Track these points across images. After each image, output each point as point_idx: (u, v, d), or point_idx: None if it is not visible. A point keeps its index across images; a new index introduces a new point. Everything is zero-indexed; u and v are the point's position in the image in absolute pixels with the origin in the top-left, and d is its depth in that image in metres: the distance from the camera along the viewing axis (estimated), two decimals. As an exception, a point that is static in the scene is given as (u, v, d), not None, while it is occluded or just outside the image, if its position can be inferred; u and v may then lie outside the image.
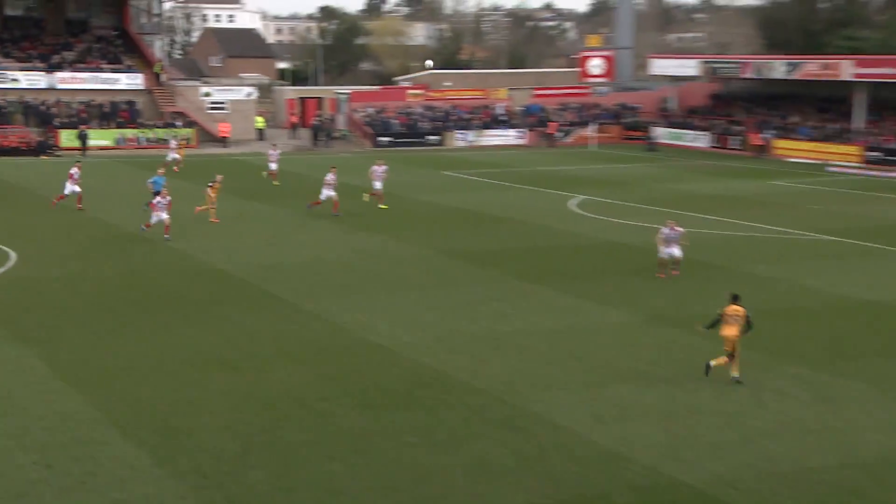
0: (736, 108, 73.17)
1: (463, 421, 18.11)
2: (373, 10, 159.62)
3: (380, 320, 24.66)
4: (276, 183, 48.39)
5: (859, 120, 63.47)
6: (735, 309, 20.10)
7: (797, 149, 63.50)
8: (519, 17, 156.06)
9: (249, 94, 75.16)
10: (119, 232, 36.31)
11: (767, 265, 31.44)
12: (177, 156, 53.57)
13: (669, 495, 15.22)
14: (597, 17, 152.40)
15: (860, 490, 15.40)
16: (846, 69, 62.28)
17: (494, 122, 74.49)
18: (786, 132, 66.21)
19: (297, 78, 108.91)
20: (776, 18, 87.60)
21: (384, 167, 42.56)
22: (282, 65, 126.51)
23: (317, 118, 74.08)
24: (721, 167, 59.28)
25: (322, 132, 71.03)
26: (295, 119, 77.09)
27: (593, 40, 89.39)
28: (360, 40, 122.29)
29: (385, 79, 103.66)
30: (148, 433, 17.37)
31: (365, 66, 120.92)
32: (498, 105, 76.38)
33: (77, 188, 39.74)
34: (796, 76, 65.96)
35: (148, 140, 66.77)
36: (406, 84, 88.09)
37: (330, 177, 39.85)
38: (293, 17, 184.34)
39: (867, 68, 61.64)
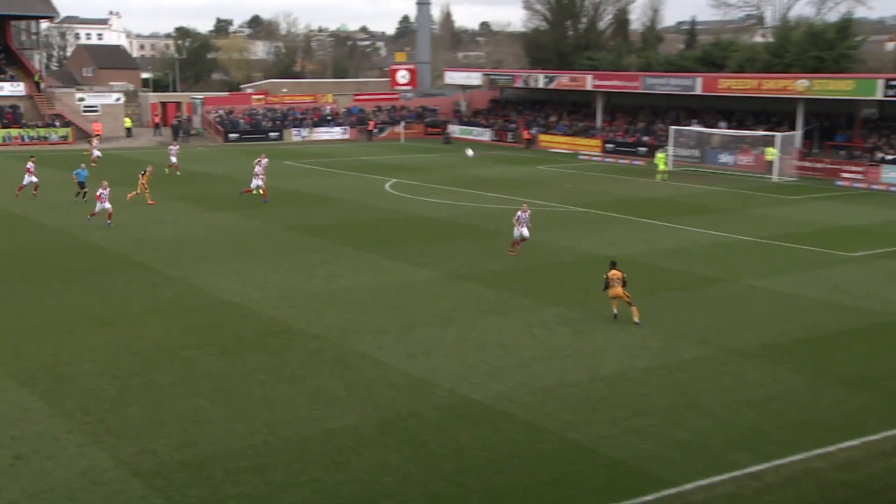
0: (510, 110, 74.66)
1: (303, 361, 17.96)
2: (220, 30, 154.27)
3: (233, 282, 24.07)
4: (178, 174, 46.21)
5: (599, 120, 65.83)
6: (615, 273, 20.35)
7: (556, 141, 65.35)
8: (340, 38, 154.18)
9: (118, 99, 71.72)
10: (6, 214, 34.01)
11: (535, 231, 32.29)
12: (98, 153, 50.29)
13: (464, 410, 15.56)
14: (403, 38, 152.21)
15: (604, 397, 16.16)
16: (589, 81, 64.37)
17: (323, 121, 73.50)
18: (547, 129, 67.93)
19: (158, 86, 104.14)
20: (537, 42, 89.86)
21: (265, 160, 40.19)
22: (145, 75, 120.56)
23: (176, 119, 71.17)
24: (500, 156, 60.42)
25: (181, 130, 68.28)
26: (157, 119, 73.81)
27: (400, 56, 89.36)
28: (211, 55, 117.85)
29: (233, 86, 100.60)
30: (39, 381, 16.47)
31: (215, 75, 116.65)
32: (326, 107, 75.41)
33: None
34: (553, 86, 67.75)
35: (30, 138, 62.85)
36: (250, 91, 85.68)
37: (258, 169, 38.55)
38: (154, 36, 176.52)
39: (603, 81, 63.90)
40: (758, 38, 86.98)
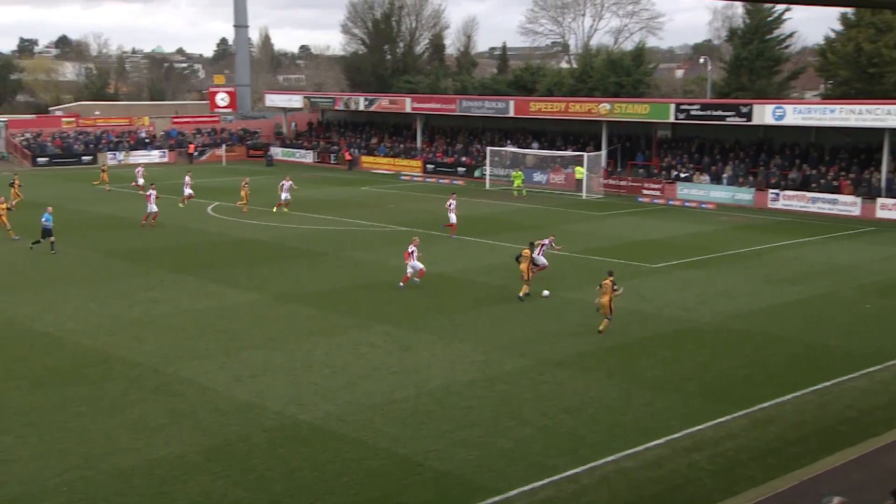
0: (332, 132, 74.47)
1: (124, 390, 17.09)
2: (24, 50, 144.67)
3: (46, 312, 22.60)
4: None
5: (419, 141, 66.78)
6: (607, 283, 21.26)
7: (378, 163, 65.69)
8: (156, 59, 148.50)
9: None
10: None
11: (360, 251, 32.39)
12: None
13: (293, 431, 15.31)
14: (221, 61, 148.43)
15: (430, 411, 16.34)
16: (408, 104, 65.23)
17: (140, 144, 70.44)
18: (369, 150, 68.18)
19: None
20: (356, 65, 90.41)
21: (290, 182, 42.36)
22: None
23: (-22, 142, 66.08)
24: (324, 177, 60.06)
25: (-19, 154, 63.46)
26: (-44, 143, 68.21)
27: (219, 79, 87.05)
28: (15, 76, 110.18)
29: (41, 108, 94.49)
30: None
31: (21, 97, 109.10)
32: (142, 130, 72.34)
33: None
34: (374, 109, 68.17)
35: None
36: (60, 113, 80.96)
37: (187, 178, 42.90)
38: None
39: (422, 103, 64.92)
40: (563, 65, 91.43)
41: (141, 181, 47.28)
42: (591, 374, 18.55)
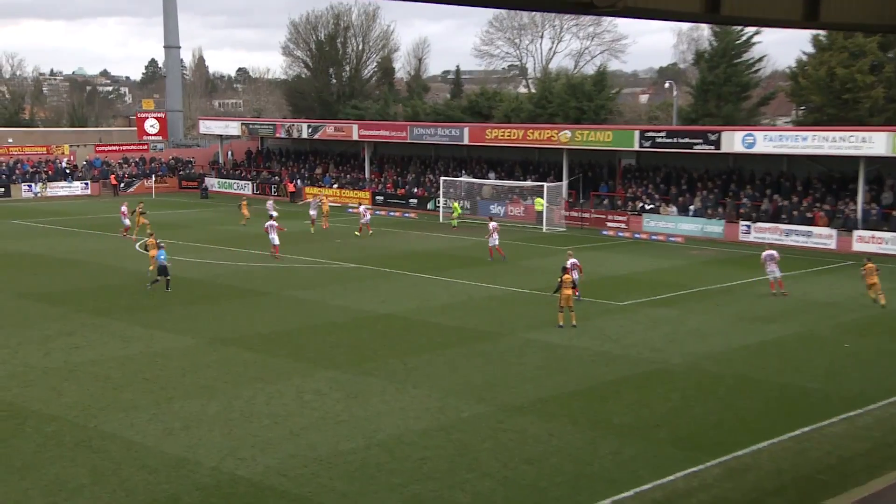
0: (274, 161, 74.31)
1: (39, 447, 16.67)
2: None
3: (-48, 361, 22.01)
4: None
5: (368, 171, 66.91)
6: (567, 277, 26.38)
7: (323, 194, 65.53)
8: (78, 82, 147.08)
9: None
10: None
11: (304, 289, 32.20)
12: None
13: (230, 489, 15.06)
14: (151, 84, 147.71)
15: (381, 463, 16.23)
16: (355, 131, 65.46)
17: (60, 175, 69.47)
18: (313, 181, 68.14)
19: None
20: (299, 90, 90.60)
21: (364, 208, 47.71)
22: None
23: None
24: (264, 210, 59.65)
25: None
26: None
27: (148, 104, 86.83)
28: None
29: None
30: None
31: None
32: (62, 159, 71.39)
33: None
34: (318, 136, 68.30)
35: None
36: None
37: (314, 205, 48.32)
38: None
39: (370, 130, 65.27)
40: (521, 89, 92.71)
41: (127, 222, 45.88)
42: (555, 420, 18.59)
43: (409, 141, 62.66)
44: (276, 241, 39.47)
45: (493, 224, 39.71)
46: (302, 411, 18.90)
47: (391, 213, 58.54)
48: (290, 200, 65.48)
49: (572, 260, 30.10)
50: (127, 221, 45.34)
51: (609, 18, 78.13)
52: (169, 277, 31.29)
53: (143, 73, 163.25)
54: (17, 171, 68.01)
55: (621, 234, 49.65)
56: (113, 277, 34.16)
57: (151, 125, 79.31)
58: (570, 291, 26.40)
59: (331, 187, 65.94)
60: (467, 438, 17.50)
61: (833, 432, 18.20)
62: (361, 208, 49.22)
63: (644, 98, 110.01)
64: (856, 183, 45.65)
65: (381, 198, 62.28)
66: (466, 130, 59.78)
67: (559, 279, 26.62)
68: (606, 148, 53.34)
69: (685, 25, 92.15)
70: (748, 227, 46.69)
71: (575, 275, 30.13)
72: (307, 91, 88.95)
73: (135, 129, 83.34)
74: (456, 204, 53.20)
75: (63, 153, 72.27)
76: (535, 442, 17.40)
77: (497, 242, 39.38)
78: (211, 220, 54.03)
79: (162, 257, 31.50)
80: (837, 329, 27.25)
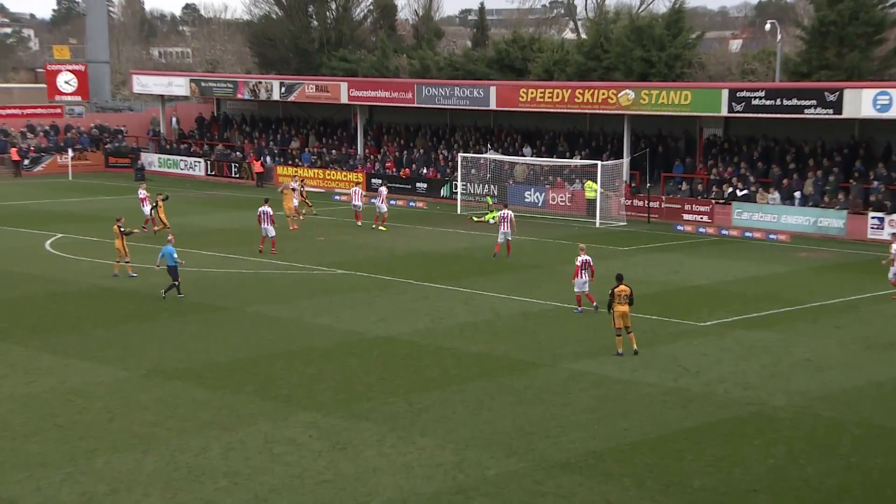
0: (234, 132, 74.43)
1: (-82, 516, 16.78)
2: None
3: None
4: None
5: (361, 146, 66.84)
6: (622, 288, 26.07)
7: (302, 176, 65.69)
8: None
9: None
10: None
11: (276, 304, 32.23)
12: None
13: (175, 573, 15.08)
14: (65, 26, 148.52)
15: (380, 541, 16.24)
16: (344, 92, 65.29)
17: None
18: (288, 159, 68.09)
19: None
20: (268, 35, 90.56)
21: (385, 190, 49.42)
22: None
23: None
24: (222, 197, 59.96)
25: None
26: None
27: (62, 52, 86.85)
28: None
29: None
30: None
31: None
32: (-52, 128, 72.01)
33: None
34: (294, 98, 68.30)
35: None
36: None
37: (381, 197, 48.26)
38: None
39: (364, 91, 65.07)
40: (568, 34, 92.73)
41: (147, 210, 46.40)
42: (612, 481, 18.56)
43: (416, 105, 62.76)
44: (272, 233, 40.46)
45: (505, 212, 40.41)
46: (272, 468, 18.93)
47: (393, 202, 58.56)
48: (255, 184, 65.73)
49: (584, 257, 30.40)
50: (147, 209, 45.57)
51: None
52: (178, 282, 32.63)
53: (53, 11, 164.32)
54: None
55: (703, 229, 49.57)
56: (15, 288, 34.34)
57: (67, 81, 79.76)
58: (625, 307, 26.23)
59: (312, 167, 66.08)
60: (493, 505, 17.53)
61: None
62: (381, 189, 49.98)
63: (736, 45, 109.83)
64: None
65: (379, 181, 62.30)
66: (493, 91, 59.84)
67: (610, 291, 26.58)
68: (683, 113, 53.25)
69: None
70: (880, 219, 46.46)
71: (584, 277, 30.66)
72: (279, 37, 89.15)
73: (43, 85, 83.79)
74: (490, 199, 53.12)
75: (-52, 120, 72.85)
76: (587, 511, 17.41)
77: (510, 237, 39.76)
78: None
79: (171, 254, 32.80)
80: None
